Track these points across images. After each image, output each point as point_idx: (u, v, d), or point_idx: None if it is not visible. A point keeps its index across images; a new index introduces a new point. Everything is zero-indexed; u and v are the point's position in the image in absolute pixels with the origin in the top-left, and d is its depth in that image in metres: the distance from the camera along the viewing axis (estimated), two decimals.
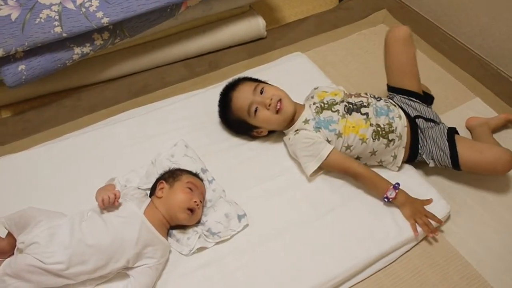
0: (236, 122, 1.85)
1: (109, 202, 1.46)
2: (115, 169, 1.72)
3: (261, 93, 1.77)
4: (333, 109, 1.75)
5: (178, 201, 1.53)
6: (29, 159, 1.81)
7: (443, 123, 1.86)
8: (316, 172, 1.74)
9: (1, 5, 1.89)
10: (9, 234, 1.48)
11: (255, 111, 1.76)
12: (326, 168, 1.75)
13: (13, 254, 1.44)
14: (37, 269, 1.38)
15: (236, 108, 1.80)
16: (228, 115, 1.86)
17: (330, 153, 1.70)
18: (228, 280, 1.52)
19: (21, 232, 1.44)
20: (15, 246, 1.46)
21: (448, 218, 1.74)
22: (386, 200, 1.68)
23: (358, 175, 1.71)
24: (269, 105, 1.74)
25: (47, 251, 1.39)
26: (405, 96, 1.87)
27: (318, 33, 2.51)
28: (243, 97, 1.78)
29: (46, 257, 1.38)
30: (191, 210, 1.54)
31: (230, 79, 1.92)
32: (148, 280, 1.45)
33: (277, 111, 1.75)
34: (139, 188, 1.65)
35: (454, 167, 1.76)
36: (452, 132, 1.79)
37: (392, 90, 1.91)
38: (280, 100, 1.75)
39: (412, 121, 1.82)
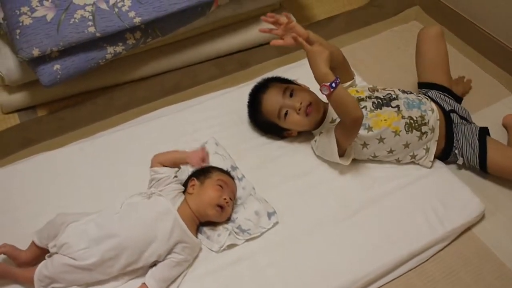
0: (265, 124, 1.86)
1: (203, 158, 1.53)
2: (147, 167, 1.73)
3: (291, 95, 1.76)
4: (360, 106, 1.73)
5: (208, 197, 1.54)
6: (64, 157, 1.85)
7: (474, 123, 1.84)
8: (348, 157, 1.71)
9: (37, 6, 1.94)
10: (32, 244, 1.51)
11: (285, 114, 1.76)
12: (342, 139, 1.68)
13: (37, 264, 1.47)
14: (71, 268, 1.41)
15: (266, 112, 1.80)
16: (258, 117, 1.87)
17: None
18: (258, 277, 1.52)
19: (53, 239, 1.47)
20: (39, 256, 1.49)
21: (482, 217, 1.71)
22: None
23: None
24: (299, 110, 1.74)
25: (79, 248, 1.41)
26: (439, 91, 1.86)
27: (349, 30, 2.49)
28: (272, 100, 1.77)
29: (79, 255, 1.41)
30: (221, 207, 1.55)
31: (259, 78, 1.93)
32: (170, 273, 1.47)
33: (307, 115, 1.75)
34: (176, 182, 1.64)
35: (481, 168, 1.75)
36: (483, 133, 1.77)
37: (424, 86, 1.91)
38: (310, 104, 1.74)
39: (446, 115, 1.80)
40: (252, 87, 1.89)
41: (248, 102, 1.89)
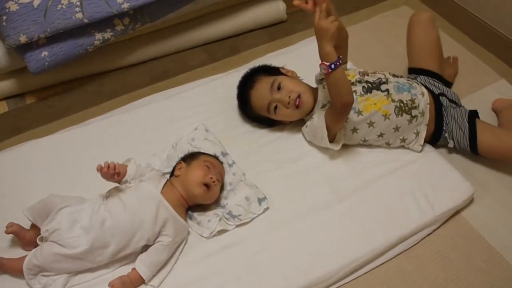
0: (257, 118, 1.87)
1: (104, 168, 1.47)
2: (137, 154, 1.72)
3: (279, 88, 1.74)
4: None
5: (194, 176, 1.55)
6: (53, 144, 1.84)
7: (463, 106, 1.85)
8: (338, 142, 1.72)
9: None
10: (34, 225, 1.51)
11: (275, 108, 1.76)
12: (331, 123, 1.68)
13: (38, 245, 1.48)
14: (61, 257, 1.41)
15: (255, 107, 1.81)
16: (248, 112, 1.87)
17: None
18: (249, 263, 1.52)
19: (45, 220, 1.47)
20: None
21: (471, 200, 1.72)
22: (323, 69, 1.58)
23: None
24: (288, 103, 1.73)
25: (69, 236, 1.42)
26: (428, 77, 1.87)
27: (339, 15, 2.44)
28: (261, 96, 1.77)
29: (69, 243, 1.41)
30: (207, 185, 1.55)
31: (250, 64, 1.92)
32: (159, 257, 1.47)
33: (297, 107, 1.74)
34: (154, 169, 1.65)
35: (472, 150, 1.75)
36: (473, 115, 1.78)
37: (414, 71, 1.91)
38: (299, 96, 1.73)
39: (436, 99, 1.81)
40: (240, 79, 1.87)
41: (237, 97, 1.89)
